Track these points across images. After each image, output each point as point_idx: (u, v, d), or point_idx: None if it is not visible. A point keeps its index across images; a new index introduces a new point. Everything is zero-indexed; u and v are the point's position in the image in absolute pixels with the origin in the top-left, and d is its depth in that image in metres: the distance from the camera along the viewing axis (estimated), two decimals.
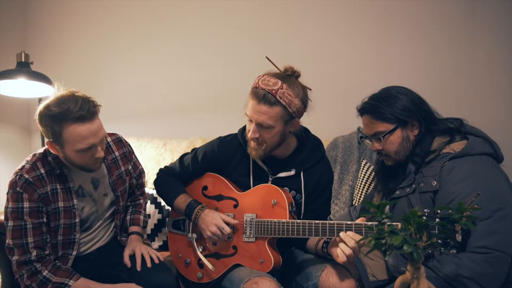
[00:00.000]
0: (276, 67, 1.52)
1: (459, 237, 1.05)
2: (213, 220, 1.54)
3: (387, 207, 1.53)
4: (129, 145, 1.74)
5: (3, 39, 2.51)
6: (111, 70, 2.72)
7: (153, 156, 2.36)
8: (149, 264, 1.52)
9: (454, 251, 1.06)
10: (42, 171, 1.43)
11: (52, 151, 1.42)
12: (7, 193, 1.41)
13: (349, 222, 1.34)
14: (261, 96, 1.43)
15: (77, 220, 1.50)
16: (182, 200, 1.64)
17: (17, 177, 1.40)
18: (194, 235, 1.64)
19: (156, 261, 1.54)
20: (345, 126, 2.50)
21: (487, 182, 1.32)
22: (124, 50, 2.71)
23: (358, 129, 2.42)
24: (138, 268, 1.50)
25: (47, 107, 1.36)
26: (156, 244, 2.14)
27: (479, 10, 2.49)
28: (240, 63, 2.63)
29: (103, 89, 2.73)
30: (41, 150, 1.49)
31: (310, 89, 1.54)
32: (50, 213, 1.44)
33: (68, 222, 1.48)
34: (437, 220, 1.04)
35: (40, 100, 2.41)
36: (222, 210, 1.62)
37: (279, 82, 1.44)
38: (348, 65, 2.63)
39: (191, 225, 1.67)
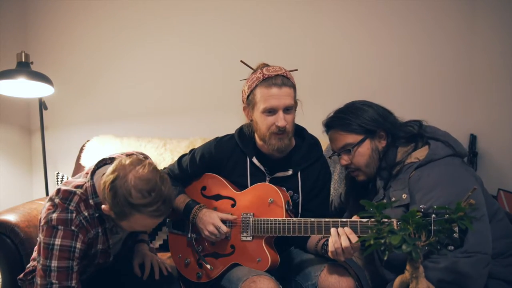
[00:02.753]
0: (252, 68, 1.59)
1: (455, 235, 1.05)
2: (210, 220, 1.55)
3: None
4: None
5: (3, 39, 2.52)
6: (111, 69, 2.72)
7: (153, 156, 2.36)
8: (157, 276, 1.51)
9: (452, 247, 1.06)
10: (86, 213, 1.33)
11: (105, 212, 1.30)
12: (54, 228, 1.27)
13: (344, 220, 1.34)
14: (280, 80, 1.48)
15: (111, 259, 1.47)
16: (181, 201, 1.66)
17: (73, 214, 1.29)
18: (193, 235, 1.65)
19: (165, 272, 1.53)
20: None
21: (458, 184, 1.29)
22: (125, 49, 2.71)
23: None
24: (144, 278, 1.50)
25: (127, 189, 1.21)
26: (156, 243, 2.15)
27: (479, 8, 2.50)
28: (240, 63, 2.63)
29: (103, 89, 2.73)
30: (80, 189, 1.34)
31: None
32: (89, 255, 1.39)
33: (102, 261, 1.45)
34: (433, 216, 1.04)
35: (40, 100, 2.42)
36: (221, 209, 1.62)
37: (281, 67, 1.53)
38: (349, 64, 2.63)
39: (190, 225, 1.68)
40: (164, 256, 1.87)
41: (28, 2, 2.72)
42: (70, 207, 1.30)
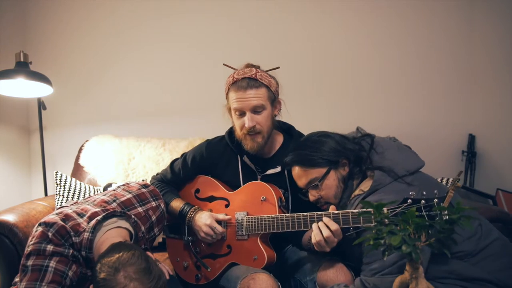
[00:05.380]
0: (235, 68, 1.63)
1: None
2: (205, 221, 1.57)
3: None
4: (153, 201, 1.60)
5: (2, 39, 2.51)
6: (110, 69, 2.72)
7: (152, 156, 2.36)
8: None
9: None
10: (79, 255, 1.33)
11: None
12: (48, 256, 1.25)
13: (336, 212, 1.36)
14: (245, 84, 1.53)
15: None
16: (175, 205, 1.67)
17: (70, 251, 1.27)
18: (190, 238, 1.66)
19: (167, 276, 1.51)
20: (344, 125, 2.49)
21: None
22: (124, 50, 2.71)
23: (357, 129, 2.42)
24: None
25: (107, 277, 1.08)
26: (155, 241, 2.15)
27: (478, 9, 2.50)
28: (240, 62, 2.62)
29: (102, 89, 2.73)
30: (77, 238, 1.30)
31: (278, 67, 1.64)
32: None
33: None
34: (423, 201, 1.06)
35: (39, 100, 2.41)
36: (215, 210, 1.65)
37: (253, 68, 1.57)
38: (348, 64, 2.63)
39: (186, 228, 1.68)
40: (163, 257, 1.88)
41: (27, 2, 2.71)
42: (67, 243, 1.27)
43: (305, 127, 1.80)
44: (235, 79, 1.56)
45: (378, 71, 2.60)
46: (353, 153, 1.45)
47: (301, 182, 1.49)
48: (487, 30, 2.49)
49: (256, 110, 1.54)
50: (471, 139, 2.50)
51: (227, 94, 1.61)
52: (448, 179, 2.11)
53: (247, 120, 1.54)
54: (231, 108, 1.60)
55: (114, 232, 1.31)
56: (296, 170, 1.49)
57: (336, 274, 1.40)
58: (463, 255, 1.28)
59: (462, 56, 2.54)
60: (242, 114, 1.56)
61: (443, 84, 2.56)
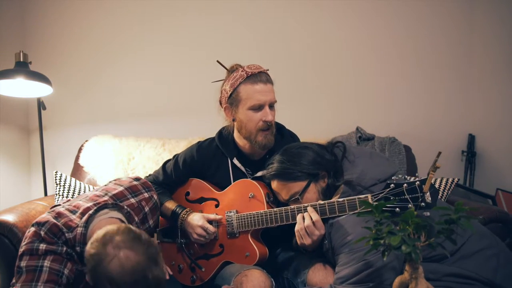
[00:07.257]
0: (226, 68, 1.64)
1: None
2: (197, 223, 1.58)
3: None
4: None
5: (2, 39, 2.51)
6: (110, 69, 2.72)
7: (152, 156, 2.36)
8: None
9: (428, 213, 1.05)
10: (73, 252, 1.31)
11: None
12: (42, 255, 1.24)
13: (322, 202, 1.37)
14: (264, 77, 1.53)
15: None
16: (167, 208, 1.67)
17: (63, 248, 1.27)
18: (183, 240, 1.67)
19: (167, 276, 1.50)
20: (344, 125, 2.50)
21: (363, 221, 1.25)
22: (123, 50, 2.71)
23: (357, 129, 2.43)
24: None
25: (109, 278, 1.07)
26: (155, 241, 2.15)
27: (478, 9, 2.50)
28: (240, 62, 2.63)
29: (102, 89, 2.73)
30: (70, 233, 1.27)
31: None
32: None
33: None
34: (405, 185, 1.10)
35: (39, 100, 2.41)
36: (206, 211, 1.65)
37: (260, 66, 1.56)
38: (349, 64, 2.63)
39: (179, 231, 1.68)
40: None
41: (26, 2, 2.71)
42: (60, 241, 1.26)
43: (305, 127, 1.81)
44: (249, 73, 1.52)
45: (378, 71, 2.61)
46: (331, 164, 1.44)
47: (281, 196, 1.48)
48: (487, 30, 2.49)
49: (272, 104, 1.54)
50: (471, 139, 2.50)
51: (234, 89, 1.55)
52: (447, 179, 2.11)
53: (267, 114, 1.51)
54: (240, 104, 1.54)
55: (105, 222, 1.30)
56: (275, 184, 1.47)
57: (326, 275, 1.40)
58: (439, 258, 1.28)
59: (462, 56, 2.54)
60: (259, 108, 1.52)
61: (443, 84, 2.56)
